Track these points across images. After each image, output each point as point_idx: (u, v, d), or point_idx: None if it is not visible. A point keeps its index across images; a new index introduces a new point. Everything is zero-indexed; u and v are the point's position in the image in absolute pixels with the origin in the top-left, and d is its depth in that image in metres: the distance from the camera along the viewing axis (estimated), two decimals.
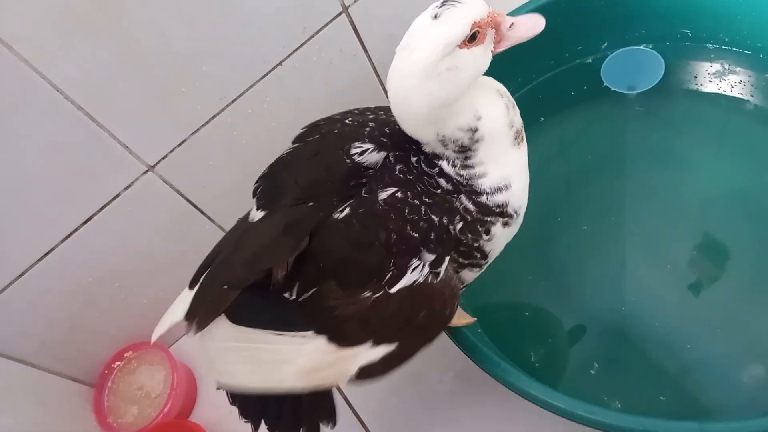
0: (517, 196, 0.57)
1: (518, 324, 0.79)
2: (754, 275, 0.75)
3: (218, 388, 0.62)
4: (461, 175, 0.55)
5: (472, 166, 0.55)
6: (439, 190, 0.55)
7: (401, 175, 0.55)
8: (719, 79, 0.88)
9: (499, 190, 0.56)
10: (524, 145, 0.59)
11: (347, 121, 0.60)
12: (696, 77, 0.90)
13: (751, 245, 0.77)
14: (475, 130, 0.53)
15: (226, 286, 0.54)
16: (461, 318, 0.68)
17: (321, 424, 0.62)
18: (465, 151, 0.54)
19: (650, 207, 0.83)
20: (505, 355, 0.72)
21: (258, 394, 0.59)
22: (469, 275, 0.59)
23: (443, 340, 0.61)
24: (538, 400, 0.61)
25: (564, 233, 0.84)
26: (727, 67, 0.89)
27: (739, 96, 0.86)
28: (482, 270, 0.60)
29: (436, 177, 0.55)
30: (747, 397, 0.68)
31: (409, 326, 0.55)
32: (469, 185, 0.55)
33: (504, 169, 0.56)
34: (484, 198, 0.56)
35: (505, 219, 0.57)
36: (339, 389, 0.89)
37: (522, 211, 0.59)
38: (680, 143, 0.87)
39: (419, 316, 0.54)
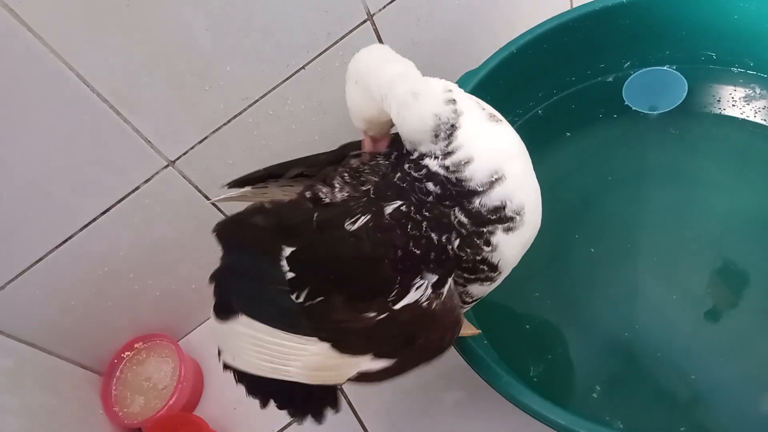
0: (515, 190, 0.53)
1: (519, 337, 0.78)
2: None
3: (225, 367, 0.63)
4: (447, 168, 0.52)
5: (454, 151, 0.52)
6: (430, 197, 0.54)
7: (399, 183, 0.55)
8: (743, 104, 0.87)
9: (491, 184, 0.52)
10: (505, 124, 0.55)
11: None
12: (719, 100, 0.89)
13: None
14: (453, 101, 0.52)
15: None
16: (467, 329, 0.68)
17: (325, 411, 0.64)
18: (453, 131, 0.52)
19: (667, 228, 0.82)
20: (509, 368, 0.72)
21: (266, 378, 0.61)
22: (480, 289, 0.58)
23: (452, 350, 0.61)
24: (540, 415, 0.60)
25: (577, 251, 0.83)
26: (751, 91, 0.88)
27: (763, 122, 0.85)
28: (496, 283, 0.58)
29: (424, 181, 0.54)
30: (764, 427, 0.67)
31: (408, 347, 0.56)
32: (458, 181, 0.52)
33: (490, 151, 0.52)
34: (477, 202, 0.52)
35: (506, 224, 0.53)
36: (344, 393, 0.89)
37: (529, 209, 0.54)
38: (700, 166, 0.86)
39: (419, 341, 0.56)
